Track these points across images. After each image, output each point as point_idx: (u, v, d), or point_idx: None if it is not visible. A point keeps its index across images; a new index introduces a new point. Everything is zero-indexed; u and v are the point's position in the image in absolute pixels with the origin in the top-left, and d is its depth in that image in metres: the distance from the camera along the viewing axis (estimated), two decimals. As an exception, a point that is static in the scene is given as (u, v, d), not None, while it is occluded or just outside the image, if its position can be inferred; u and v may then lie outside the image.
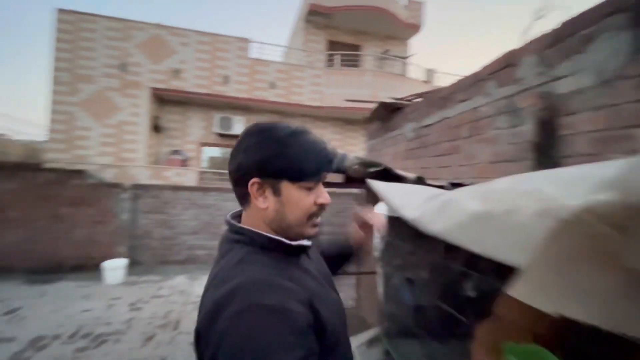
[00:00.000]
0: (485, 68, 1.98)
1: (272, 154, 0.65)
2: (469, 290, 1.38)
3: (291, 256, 0.71)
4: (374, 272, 2.25)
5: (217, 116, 9.33)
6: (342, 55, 10.41)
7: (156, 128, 9.06)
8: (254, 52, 9.53)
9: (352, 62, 10.72)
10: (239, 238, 0.69)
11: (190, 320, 4.04)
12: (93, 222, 5.60)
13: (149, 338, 3.58)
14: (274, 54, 10.59)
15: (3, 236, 5.38)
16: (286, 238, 0.70)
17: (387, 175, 1.62)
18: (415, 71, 11.42)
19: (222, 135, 9.54)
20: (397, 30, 11.53)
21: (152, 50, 8.60)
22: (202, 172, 9.30)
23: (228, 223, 0.74)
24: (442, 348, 1.36)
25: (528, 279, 0.45)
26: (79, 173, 5.71)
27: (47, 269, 5.41)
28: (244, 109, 9.74)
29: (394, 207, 1.14)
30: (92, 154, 8.09)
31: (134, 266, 5.57)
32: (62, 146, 8.02)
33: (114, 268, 5.23)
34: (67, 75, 8.06)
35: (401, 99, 3.37)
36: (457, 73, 12.64)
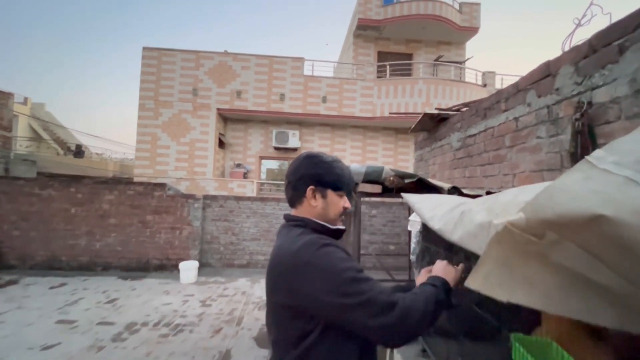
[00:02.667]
0: (524, 78, 2.01)
1: (324, 172, 1.00)
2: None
3: (332, 238, 0.97)
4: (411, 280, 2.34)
5: (274, 131, 10.04)
6: (393, 65, 10.47)
7: (221, 144, 10.08)
8: (307, 69, 10.11)
9: (403, 71, 10.70)
10: (297, 223, 0.98)
11: (251, 318, 4.45)
12: (172, 228, 6.48)
13: (217, 331, 4.04)
14: (326, 70, 11.08)
15: (104, 239, 6.51)
16: (330, 223, 1.01)
17: (423, 185, 1.75)
18: (472, 75, 10.93)
19: (278, 149, 10.22)
20: (452, 35, 11.23)
21: (218, 75, 9.67)
22: (261, 184, 10.04)
23: (287, 216, 1.04)
24: (476, 347, 1.43)
25: (480, 272, 0.61)
26: (161, 186, 6.67)
27: (136, 268, 6.38)
28: (298, 123, 10.32)
29: (424, 219, 1.28)
30: (170, 168, 9.32)
31: (204, 268, 6.28)
32: (147, 162, 9.40)
33: (188, 269, 5.96)
34: (151, 102, 9.46)
35: (446, 109, 3.41)
36: (518, 74, 11.78)
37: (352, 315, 0.77)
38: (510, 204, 0.87)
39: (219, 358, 3.40)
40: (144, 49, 9.55)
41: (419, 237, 1.91)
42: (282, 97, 9.69)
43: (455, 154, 3.07)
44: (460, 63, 11.45)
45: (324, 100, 9.71)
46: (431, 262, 2.23)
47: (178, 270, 6.06)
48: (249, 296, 5.35)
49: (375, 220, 6.85)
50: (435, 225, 1.13)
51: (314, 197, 0.99)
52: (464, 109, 3.10)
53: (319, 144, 10.35)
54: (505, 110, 2.22)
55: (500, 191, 1.54)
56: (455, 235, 1.02)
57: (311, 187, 0.99)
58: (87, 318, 4.33)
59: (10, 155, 9.88)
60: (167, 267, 6.34)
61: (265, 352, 3.56)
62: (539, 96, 1.85)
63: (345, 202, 1.02)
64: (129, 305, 4.78)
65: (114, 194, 6.58)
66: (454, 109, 3.19)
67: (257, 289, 5.69)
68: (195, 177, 9.08)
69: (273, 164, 11.25)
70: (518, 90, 2.08)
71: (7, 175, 7.22)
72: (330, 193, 1.00)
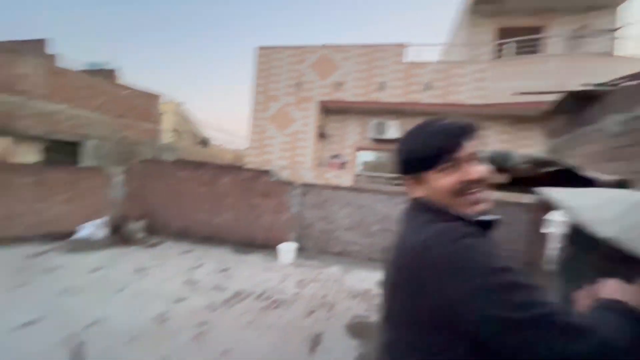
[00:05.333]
0: None
1: (448, 139, 0.80)
2: None
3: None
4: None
5: (372, 122, 9.84)
6: (517, 42, 8.92)
7: (321, 135, 10.43)
8: (410, 55, 9.50)
9: (527, 48, 9.03)
10: (424, 207, 0.82)
11: (342, 307, 4.48)
12: (274, 211, 7.05)
13: (310, 313, 4.20)
14: (431, 55, 10.24)
15: (221, 216, 7.53)
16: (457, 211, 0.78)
17: (570, 177, 1.35)
18: (629, 47, 8.47)
19: (376, 140, 9.99)
20: (600, -3, 8.89)
21: (320, 68, 9.97)
22: (356, 175, 10.03)
23: (412, 200, 0.88)
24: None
25: None
26: (266, 172, 7.31)
27: (245, 244, 7.19)
28: (397, 113, 9.86)
29: (582, 222, 0.95)
30: (274, 157, 10.15)
31: (301, 251, 6.64)
32: (256, 152, 10.45)
33: (287, 250, 6.40)
34: (262, 97, 10.42)
35: (602, 84, 2.65)
36: None
37: (520, 336, 0.54)
38: None
39: (310, 340, 3.51)
40: (259, 48, 10.52)
41: (565, 242, 1.49)
42: (381, 86, 9.38)
43: (612, 142, 2.36)
44: (612, 32, 8.98)
45: (428, 87, 8.98)
46: (582, 275, 1.75)
47: (278, 250, 6.56)
48: (341, 284, 5.41)
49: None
50: (606, 230, 0.81)
51: (418, 185, 0.83)
52: (629, 83, 2.35)
53: (420, 135, 9.67)
54: None
55: None
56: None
57: (415, 173, 0.84)
58: (206, 282, 5.07)
59: (158, 145, 12.35)
60: (269, 247, 6.93)
61: (356, 343, 3.52)
62: None
63: (465, 174, 0.77)
64: (237, 276, 5.41)
65: (229, 178, 7.52)
66: (612, 83, 2.45)
67: (348, 279, 5.70)
68: (296, 167, 9.66)
69: (370, 156, 11.10)
70: None
71: (148, 160, 9.00)
72: (428, 175, 0.80)
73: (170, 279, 5.09)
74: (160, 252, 6.61)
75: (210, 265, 5.89)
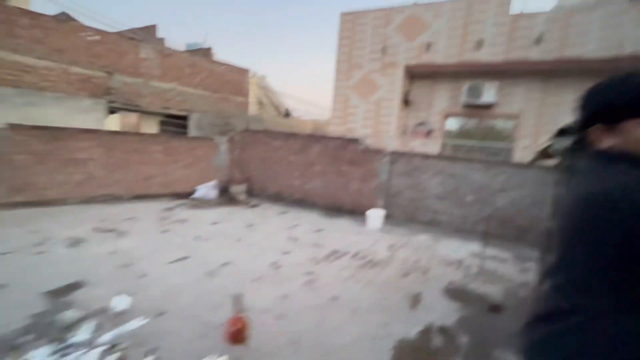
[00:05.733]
0: None
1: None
2: None
3: None
4: None
5: (464, 85, 9.04)
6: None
7: (406, 102, 10.04)
8: (515, 7, 8.24)
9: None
10: (618, 157, 0.84)
11: (437, 272, 4.53)
12: (362, 179, 7.26)
13: (405, 275, 4.37)
14: (539, 4, 8.69)
15: (311, 182, 8.05)
16: None
17: None
18: None
19: (469, 106, 9.20)
20: None
21: (407, 29, 9.38)
22: (444, 143, 9.51)
23: (600, 150, 0.90)
24: None
25: None
26: (355, 141, 7.46)
27: (333, 209, 7.63)
28: (496, 74, 8.84)
29: None
30: (357, 127, 10.20)
31: (388, 218, 6.78)
32: (339, 121, 10.64)
33: (375, 217, 6.61)
34: (345, 65, 10.37)
35: None
36: None
37: None
38: None
39: (410, 297, 3.70)
40: (342, 14, 10.35)
41: None
42: (478, 44, 8.44)
43: None
44: None
45: (539, 41, 7.77)
46: None
47: (365, 216, 6.81)
48: (432, 252, 5.42)
49: None
50: None
51: (612, 134, 0.83)
52: None
53: (523, 98, 8.57)
54: None
55: None
56: None
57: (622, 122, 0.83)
58: (305, 239, 5.62)
59: (248, 117, 13.42)
60: (357, 213, 7.23)
61: (456, 306, 3.59)
62: None
63: None
64: (331, 237, 5.85)
65: (318, 147, 7.90)
66: None
67: (440, 247, 5.67)
68: (379, 135, 9.58)
69: (459, 123, 10.33)
70: None
71: (247, 130, 9.88)
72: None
73: (274, 234, 5.78)
74: (260, 212, 7.47)
75: (305, 226, 6.47)
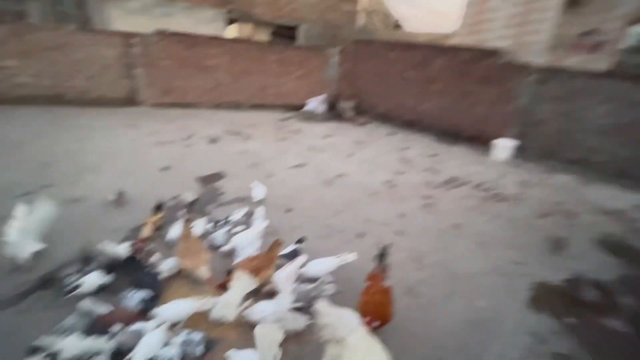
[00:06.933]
0: None
1: None
2: None
3: None
4: None
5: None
6: None
7: (573, 2, 7.48)
8: None
9: None
10: None
11: (586, 220, 3.74)
12: (493, 101, 6.09)
13: (543, 215, 3.73)
14: None
15: (427, 102, 7.21)
16: None
17: None
18: None
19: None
20: None
21: None
22: (620, 61, 7.08)
23: None
24: None
25: None
26: (492, 53, 6.09)
27: (448, 134, 6.84)
28: None
29: None
30: (492, 37, 8.27)
31: (520, 151, 5.74)
32: (467, 31, 8.79)
33: (504, 147, 5.66)
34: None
35: None
36: None
37: None
38: None
39: (551, 241, 3.17)
40: None
41: None
42: None
43: None
44: None
45: None
46: None
47: (489, 146, 5.91)
48: (580, 196, 4.46)
49: None
50: None
51: None
52: None
53: None
54: None
55: None
56: None
57: None
58: (418, 162, 5.25)
59: (356, 27, 12.20)
60: (479, 141, 6.32)
61: (615, 262, 2.94)
62: None
63: None
64: (447, 163, 5.32)
65: (443, 60, 6.78)
66: None
67: (590, 192, 4.62)
68: (522, 48, 7.63)
69: (651, 33, 7.38)
70: None
71: (360, 40, 9.01)
72: None
73: (385, 154, 5.55)
74: (369, 130, 7.21)
75: (417, 149, 6.01)
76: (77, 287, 1.83)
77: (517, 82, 5.76)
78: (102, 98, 6.63)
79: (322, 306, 1.61)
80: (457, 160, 5.56)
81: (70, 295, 1.81)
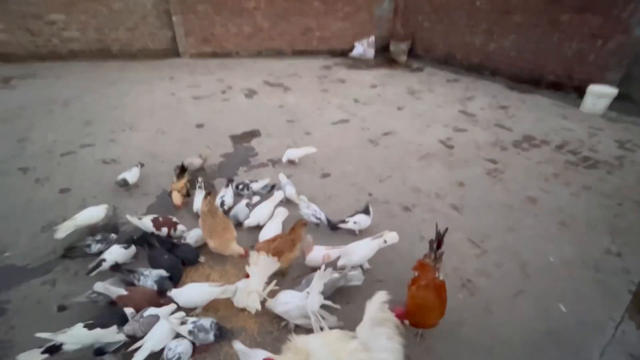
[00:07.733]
0: None
1: None
2: None
3: None
4: None
5: None
6: None
7: None
8: None
9: None
10: None
11: None
12: (592, 35, 4.73)
13: (651, 188, 2.90)
14: None
15: (500, 40, 5.92)
16: None
17: None
18: None
19: None
20: None
21: None
22: None
23: None
24: None
25: None
26: (601, -34, 4.56)
27: (525, 80, 5.65)
28: None
29: None
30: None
31: (621, 101, 4.51)
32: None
33: (599, 95, 4.48)
34: None
35: None
36: None
37: None
38: None
39: (665, 224, 2.43)
40: None
41: None
42: None
43: None
44: None
45: None
46: None
47: (579, 94, 4.75)
48: None
49: None
50: None
51: None
52: None
53: None
54: None
55: None
56: None
57: None
58: (484, 116, 4.40)
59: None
60: (565, 88, 5.12)
61: None
62: None
63: None
64: (521, 117, 4.39)
65: (527, -18, 5.33)
66: None
67: None
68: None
69: None
70: None
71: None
72: None
73: (443, 106, 4.75)
74: (425, 77, 6.25)
75: (483, 100, 5.06)
76: (100, 263, 1.76)
77: (630, 9, 4.32)
78: (144, 50, 6.53)
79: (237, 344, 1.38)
80: (534, 113, 4.56)
81: (93, 272, 1.74)
